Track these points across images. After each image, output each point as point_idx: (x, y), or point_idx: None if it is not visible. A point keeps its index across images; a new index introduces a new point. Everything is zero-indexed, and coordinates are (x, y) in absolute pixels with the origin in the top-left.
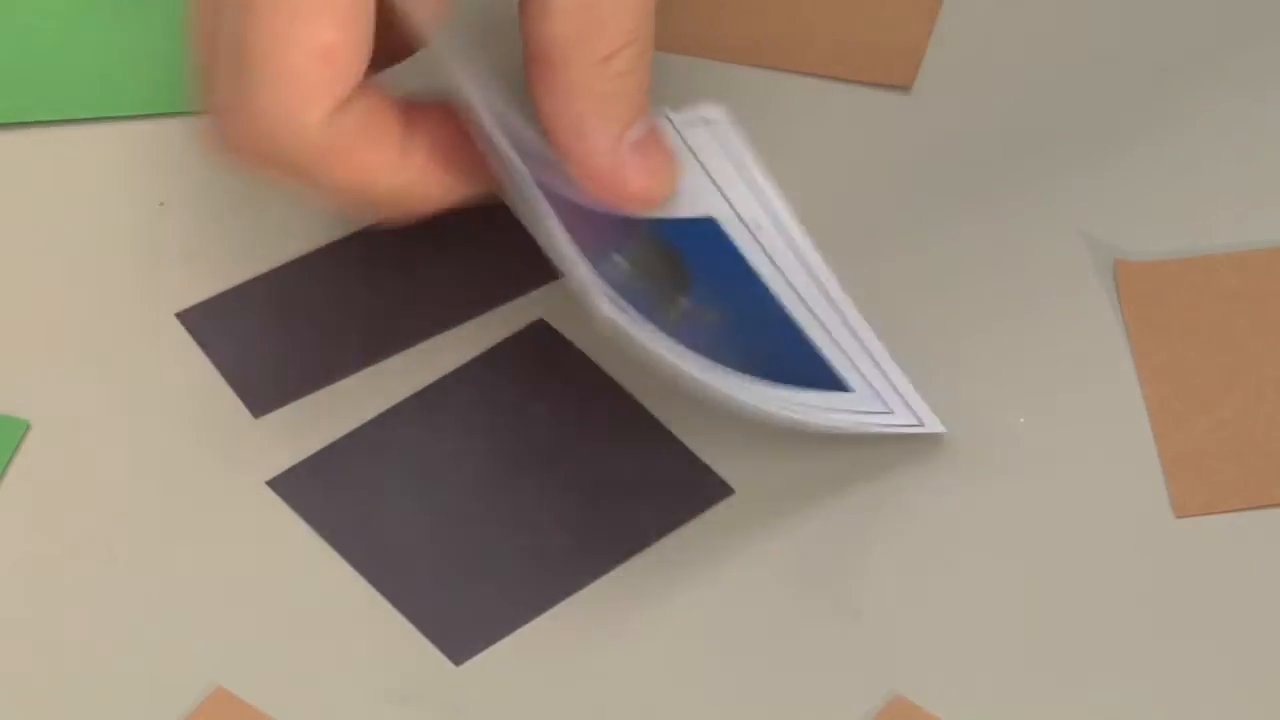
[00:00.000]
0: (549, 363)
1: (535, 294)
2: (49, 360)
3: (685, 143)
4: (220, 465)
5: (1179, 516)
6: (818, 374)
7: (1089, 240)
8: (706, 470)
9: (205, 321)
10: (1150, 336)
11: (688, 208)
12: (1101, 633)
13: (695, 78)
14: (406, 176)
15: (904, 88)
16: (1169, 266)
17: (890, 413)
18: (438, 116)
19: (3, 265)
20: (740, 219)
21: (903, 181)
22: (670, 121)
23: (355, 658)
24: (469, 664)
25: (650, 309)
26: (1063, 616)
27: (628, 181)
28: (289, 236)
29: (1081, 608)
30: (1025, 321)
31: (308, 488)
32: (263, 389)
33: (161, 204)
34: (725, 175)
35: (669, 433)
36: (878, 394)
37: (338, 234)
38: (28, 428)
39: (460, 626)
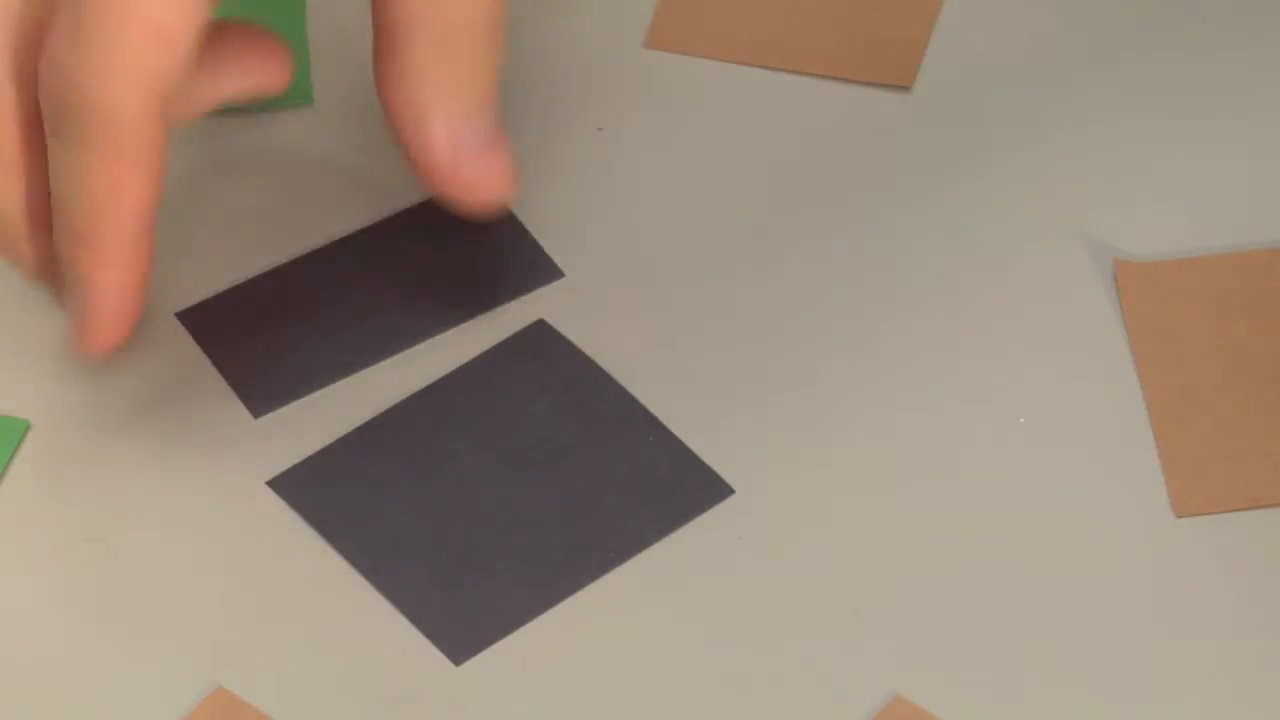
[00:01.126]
0: (549, 363)
1: (535, 294)
2: (49, 360)
3: None
4: (220, 465)
5: (1179, 516)
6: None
7: (1089, 240)
8: (706, 470)
9: (205, 321)
10: (1150, 336)
11: None
12: (1101, 633)
13: (695, 78)
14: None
15: (904, 88)
16: (1169, 266)
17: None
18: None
19: (3, 265)
20: None
21: (903, 181)
22: None
23: (355, 658)
24: (469, 664)
25: None
26: (1063, 617)
27: (464, 175)
28: (289, 237)
29: (1081, 608)
30: (1025, 321)
31: (308, 488)
32: (263, 389)
33: (161, 204)
34: None
35: (669, 433)
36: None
37: (338, 234)
38: (28, 428)
39: (460, 626)
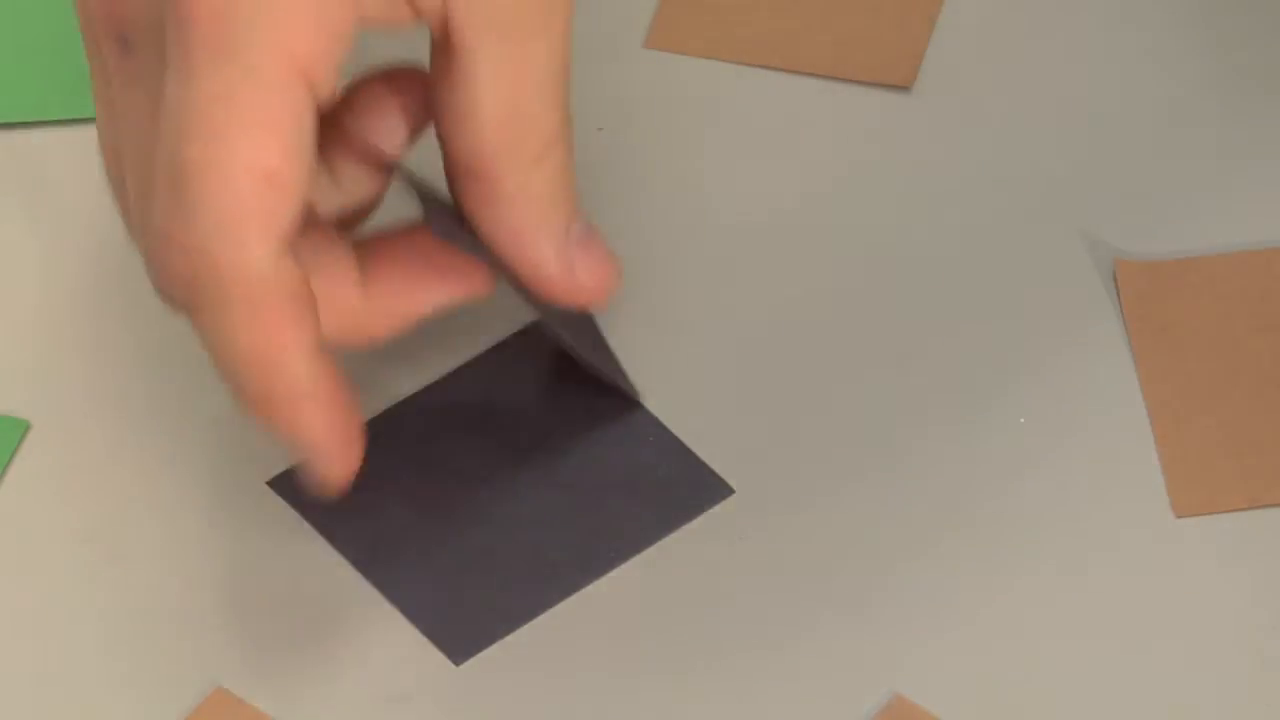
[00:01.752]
0: (549, 363)
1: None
2: (49, 360)
3: None
4: (220, 465)
5: (1179, 516)
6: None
7: (1089, 240)
8: (707, 470)
9: None
10: (1150, 336)
11: None
12: (1101, 633)
13: (695, 78)
14: (311, 377)
15: (904, 88)
16: (1169, 266)
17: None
18: (395, 241)
19: (2, 265)
20: None
21: (903, 181)
22: None
23: (355, 658)
24: (469, 664)
25: None
26: (1063, 616)
27: (581, 283)
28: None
29: (1081, 607)
30: (1025, 321)
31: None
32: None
33: None
34: None
35: (669, 433)
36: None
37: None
38: (28, 428)
39: (460, 626)
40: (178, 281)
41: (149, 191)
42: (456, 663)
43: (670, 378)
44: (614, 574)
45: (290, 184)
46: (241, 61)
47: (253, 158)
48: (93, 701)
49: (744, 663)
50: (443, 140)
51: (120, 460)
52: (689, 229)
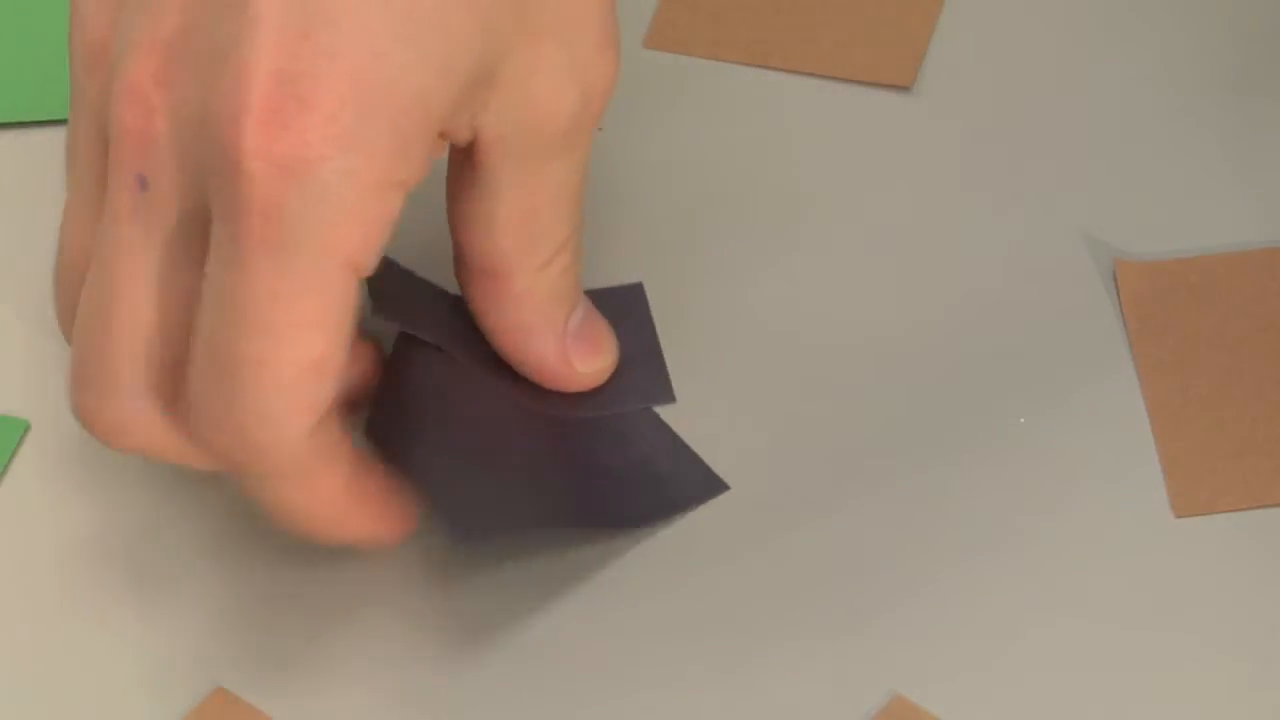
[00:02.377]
0: None
1: None
2: (49, 360)
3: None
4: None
5: (1179, 516)
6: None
7: (1089, 240)
8: (702, 466)
9: None
10: (1150, 336)
11: None
12: (1101, 633)
13: (695, 78)
14: (348, 505)
15: (904, 88)
16: (1169, 266)
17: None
18: (376, 464)
19: (3, 265)
20: None
21: (903, 181)
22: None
23: (355, 658)
24: (469, 664)
25: None
26: (1062, 616)
27: (576, 370)
28: None
29: (1081, 608)
30: (1025, 321)
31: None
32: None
33: None
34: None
35: (668, 428)
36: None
37: None
38: (28, 428)
39: (469, 509)
40: (224, 456)
41: (162, 347)
42: (459, 541)
43: (671, 377)
44: (614, 574)
45: (334, 369)
46: (296, 261)
47: (304, 353)
48: (93, 701)
49: (744, 663)
50: (458, 242)
51: (120, 460)
52: (688, 229)
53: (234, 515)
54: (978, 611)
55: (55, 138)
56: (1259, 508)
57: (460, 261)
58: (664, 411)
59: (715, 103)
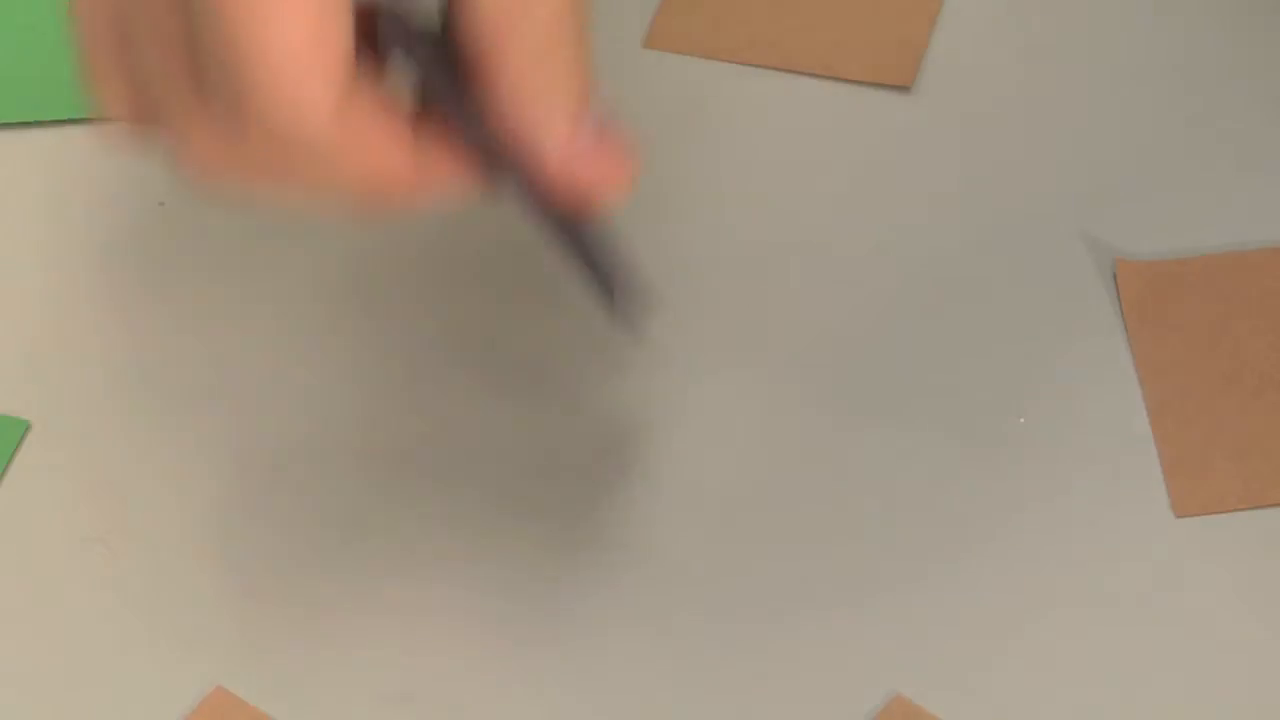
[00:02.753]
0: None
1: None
2: (49, 360)
3: None
4: (220, 465)
5: (1179, 516)
6: None
7: (1089, 240)
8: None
9: None
10: (1150, 336)
11: None
12: (1101, 632)
13: (695, 78)
14: (420, 168)
15: (904, 88)
16: (1169, 266)
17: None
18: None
19: (3, 265)
20: None
21: (903, 181)
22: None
23: (355, 658)
24: (469, 664)
25: None
26: (1062, 616)
27: (588, 173)
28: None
29: (1081, 607)
30: (1025, 321)
31: None
32: None
33: (162, 204)
34: None
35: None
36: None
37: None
38: (28, 428)
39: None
40: (243, 162)
41: (185, 89)
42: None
43: (666, 368)
44: (613, 574)
45: (336, 40)
46: None
47: (297, 22)
48: (93, 701)
49: (745, 662)
50: (451, 35)
51: (120, 460)
52: (688, 229)
53: (234, 515)
54: (978, 611)
55: (55, 138)
56: (1259, 508)
57: (462, 61)
58: (668, 423)
59: (715, 103)
